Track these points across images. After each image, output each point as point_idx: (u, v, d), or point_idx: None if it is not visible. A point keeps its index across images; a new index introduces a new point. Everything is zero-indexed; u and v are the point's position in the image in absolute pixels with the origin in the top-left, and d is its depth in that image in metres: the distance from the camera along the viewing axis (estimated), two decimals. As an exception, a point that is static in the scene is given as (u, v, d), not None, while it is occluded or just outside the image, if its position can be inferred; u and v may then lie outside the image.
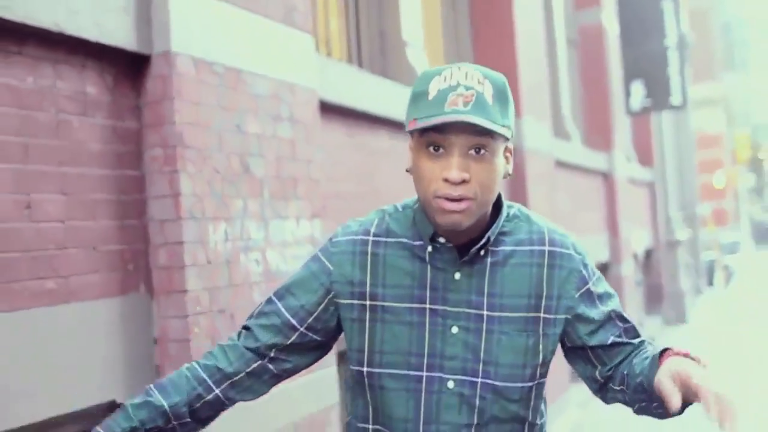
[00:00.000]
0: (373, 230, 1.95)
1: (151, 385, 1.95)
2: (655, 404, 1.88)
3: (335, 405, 4.14)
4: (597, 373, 1.99)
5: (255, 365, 1.97)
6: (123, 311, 3.10)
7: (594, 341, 1.94)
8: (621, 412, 2.26)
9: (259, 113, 3.68)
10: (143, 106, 3.22)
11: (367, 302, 1.91)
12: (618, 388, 1.97)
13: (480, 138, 1.76)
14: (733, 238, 27.91)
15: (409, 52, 5.88)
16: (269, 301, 2.00)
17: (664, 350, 1.85)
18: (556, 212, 8.13)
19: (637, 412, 2.00)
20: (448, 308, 1.87)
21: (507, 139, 1.83)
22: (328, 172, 4.38)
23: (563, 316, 1.90)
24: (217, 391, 1.95)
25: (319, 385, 3.95)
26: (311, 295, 1.95)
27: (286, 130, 3.88)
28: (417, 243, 1.90)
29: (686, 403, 1.79)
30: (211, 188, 3.33)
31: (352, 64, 5.48)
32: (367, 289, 1.91)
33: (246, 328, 2.01)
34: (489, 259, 1.88)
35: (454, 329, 1.87)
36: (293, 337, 1.96)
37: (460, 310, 1.87)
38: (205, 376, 1.95)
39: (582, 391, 7.36)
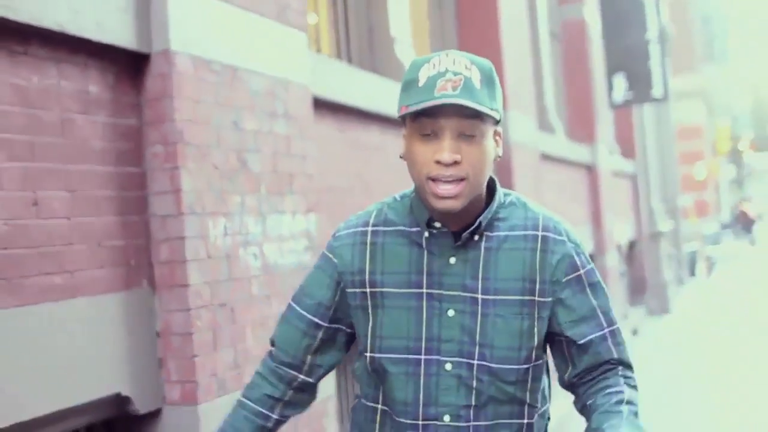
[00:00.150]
0: (372, 221, 2.03)
1: None
2: None
3: (332, 396, 4.22)
4: (566, 374, 2.04)
5: (297, 382, 2.08)
6: (126, 305, 3.16)
7: (571, 332, 1.98)
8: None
9: (255, 110, 3.75)
10: (144, 103, 3.28)
11: (368, 289, 1.99)
12: (578, 407, 2.05)
13: (469, 121, 1.83)
14: (714, 229, 28.12)
15: (397, 47, 5.95)
16: (289, 307, 2.10)
17: None
18: (542, 205, 8.20)
19: None
20: (444, 292, 1.94)
21: (496, 123, 1.91)
22: (321, 167, 4.44)
23: (550, 299, 1.96)
24: (274, 416, 2.09)
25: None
26: (325, 291, 2.04)
27: (281, 126, 3.94)
28: (414, 230, 1.97)
29: None
30: (210, 184, 3.39)
31: (341, 60, 5.54)
32: (367, 277, 1.99)
33: (273, 344, 2.11)
34: (484, 244, 1.95)
35: (450, 312, 1.93)
36: (320, 335, 2.06)
37: (456, 293, 1.93)
38: (260, 409, 2.07)
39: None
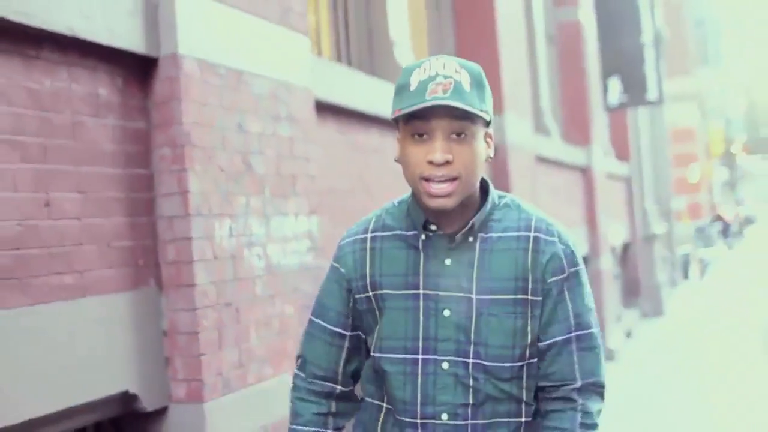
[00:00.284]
0: (371, 227, 2.11)
1: None
2: None
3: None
4: (537, 376, 2.05)
5: (336, 392, 2.14)
6: (134, 305, 3.21)
7: (542, 332, 2.01)
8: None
9: (259, 113, 3.81)
10: (151, 106, 3.33)
11: (371, 293, 2.06)
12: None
13: (460, 122, 1.91)
14: (707, 231, 28.19)
15: (396, 50, 6.01)
16: (310, 323, 2.16)
17: None
18: (538, 207, 8.25)
19: None
20: (440, 293, 2.00)
21: (487, 125, 1.98)
22: (323, 169, 4.50)
23: (541, 298, 2.01)
24: (331, 430, 2.14)
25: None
26: (339, 301, 2.11)
27: (284, 128, 4.00)
28: (411, 233, 2.04)
29: None
30: (216, 186, 3.45)
31: (341, 63, 5.60)
32: (368, 281, 2.06)
33: (303, 361, 2.16)
34: (478, 245, 2.01)
35: (446, 312, 1.99)
36: (346, 344, 2.12)
37: (451, 294, 1.99)
38: (314, 429, 2.13)
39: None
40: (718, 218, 25.60)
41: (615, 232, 13.16)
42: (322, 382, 2.14)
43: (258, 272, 3.71)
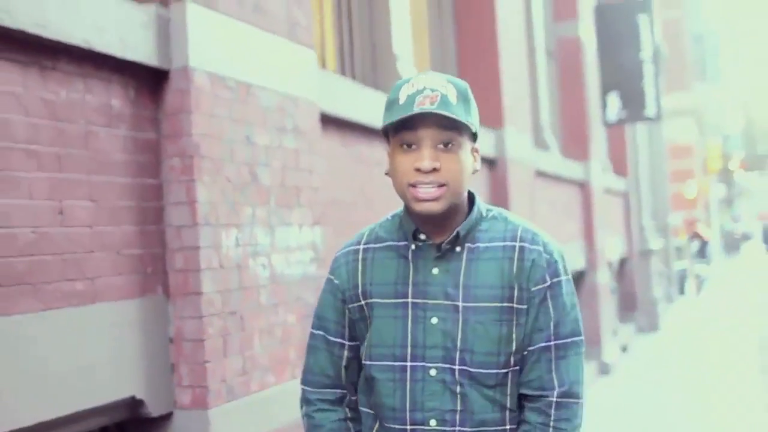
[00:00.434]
0: (364, 240, 2.19)
1: None
2: None
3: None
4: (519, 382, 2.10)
5: (346, 399, 2.19)
6: (142, 312, 3.28)
7: (526, 341, 2.06)
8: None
9: (266, 125, 3.88)
10: (162, 118, 3.41)
11: (362, 302, 2.13)
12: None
13: (447, 132, 1.99)
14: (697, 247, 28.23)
15: (399, 64, 6.09)
16: (312, 336, 2.22)
17: None
18: (537, 221, 8.35)
19: None
20: (428, 301, 2.06)
21: (473, 138, 2.07)
22: (326, 181, 4.57)
23: (526, 306, 2.07)
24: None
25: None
26: (335, 312, 2.18)
27: (290, 141, 4.07)
28: (402, 244, 2.12)
29: None
30: (224, 196, 3.52)
31: (345, 76, 5.68)
32: (360, 290, 2.14)
33: (310, 372, 2.21)
34: (465, 255, 2.08)
35: (434, 320, 2.06)
36: (346, 353, 2.18)
37: (438, 302, 2.06)
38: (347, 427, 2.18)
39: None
40: (695, 236, 25.43)
41: (612, 247, 13.23)
42: (333, 390, 2.18)
43: (262, 281, 3.78)
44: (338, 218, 4.69)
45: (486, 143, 7.25)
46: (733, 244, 38.80)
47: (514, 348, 2.05)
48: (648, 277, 15.38)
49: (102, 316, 3.07)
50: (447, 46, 7.79)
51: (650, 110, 13.43)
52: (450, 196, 2.00)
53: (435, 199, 1.98)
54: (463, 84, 2.06)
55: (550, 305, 2.06)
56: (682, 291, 21.28)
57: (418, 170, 1.98)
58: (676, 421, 8.04)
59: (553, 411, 2.05)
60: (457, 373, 2.04)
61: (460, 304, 2.05)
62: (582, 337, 2.10)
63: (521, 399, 2.08)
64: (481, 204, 2.14)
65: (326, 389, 2.19)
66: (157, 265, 3.38)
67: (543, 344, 2.05)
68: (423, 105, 1.97)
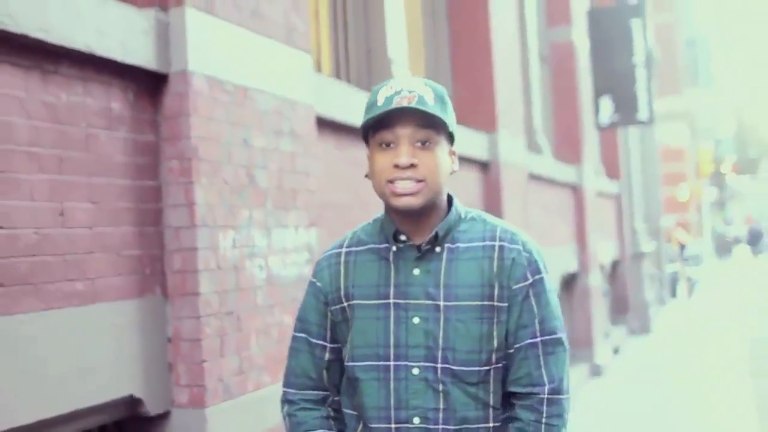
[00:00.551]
0: (346, 243, 2.25)
1: None
2: None
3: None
4: (506, 379, 2.14)
5: (329, 400, 2.23)
6: (141, 312, 3.33)
7: (511, 338, 2.11)
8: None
9: (263, 128, 3.93)
10: (161, 121, 3.46)
11: (345, 303, 2.18)
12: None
13: (424, 130, 2.06)
14: (695, 250, 28.36)
15: (394, 68, 6.15)
16: (294, 338, 2.27)
17: None
18: (530, 224, 8.41)
19: None
20: (410, 301, 2.11)
21: (450, 140, 2.13)
22: (322, 183, 4.62)
23: (507, 304, 2.11)
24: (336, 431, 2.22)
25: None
26: (317, 314, 2.23)
27: (287, 144, 4.13)
28: (383, 246, 2.17)
29: None
30: (221, 198, 3.57)
31: (340, 80, 5.73)
32: (342, 293, 2.19)
33: (292, 374, 2.24)
34: (445, 255, 2.13)
35: (416, 320, 2.10)
36: (327, 355, 2.22)
37: (420, 302, 2.11)
38: (324, 431, 2.20)
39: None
40: (676, 243, 25.34)
41: (604, 250, 13.30)
42: (314, 391, 2.22)
43: (259, 282, 3.83)
44: (333, 220, 4.74)
45: (479, 146, 7.31)
46: (724, 247, 38.89)
47: (495, 345, 2.10)
48: (640, 280, 15.45)
49: (102, 316, 3.12)
50: (441, 50, 7.86)
51: (643, 114, 13.49)
52: (428, 192, 2.05)
53: (413, 194, 2.03)
54: (440, 87, 2.13)
55: (533, 302, 2.11)
56: (673, 294, 21.36)
57: (396, 166, 2.03)
58: (667, 423, 8.10)
59: (544, 408, 2.09)
60: (439, 371, 2.08)
61: (441, 303, 2.09)
62: (565, 334, 2.16)
63: (510, 397, 2.12)
64: (460, 206, 2.20)
65: (309, 390, 2.22)
66: (156, 265, 3.43)
67: (529, 341, 2.10)
68: (400, 104, 2.03)
